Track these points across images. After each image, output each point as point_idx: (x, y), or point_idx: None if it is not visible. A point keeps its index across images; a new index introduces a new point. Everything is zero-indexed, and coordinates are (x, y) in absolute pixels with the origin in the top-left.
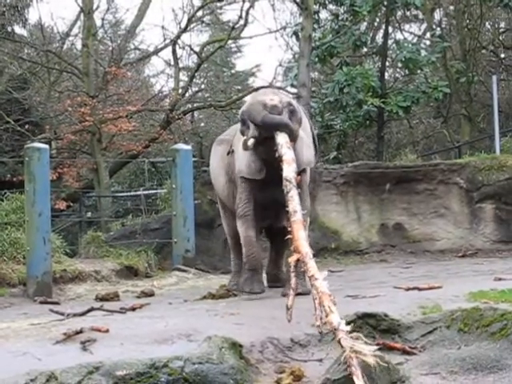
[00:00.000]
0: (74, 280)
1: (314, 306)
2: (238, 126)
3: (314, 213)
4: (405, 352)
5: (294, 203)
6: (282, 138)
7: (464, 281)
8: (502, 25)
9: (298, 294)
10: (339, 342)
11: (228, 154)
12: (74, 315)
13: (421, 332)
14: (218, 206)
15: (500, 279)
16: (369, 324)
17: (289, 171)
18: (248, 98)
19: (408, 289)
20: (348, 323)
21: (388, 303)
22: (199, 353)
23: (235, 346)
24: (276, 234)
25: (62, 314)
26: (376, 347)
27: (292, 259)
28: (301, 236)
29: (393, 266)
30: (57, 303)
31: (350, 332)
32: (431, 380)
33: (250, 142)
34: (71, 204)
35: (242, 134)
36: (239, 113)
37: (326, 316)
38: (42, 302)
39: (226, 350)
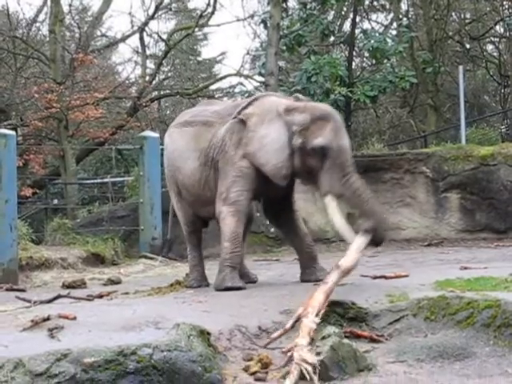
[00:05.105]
0: (40, 267)
1: None
2: (225, 104)
3: None
4: (372, 340)
5: None
6: None
7: (430, 270)
8: (468, 15)
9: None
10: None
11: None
12: (41, 302)
13: (388, 320)
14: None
15: (466, 268)
16: (336, 312)
17: None
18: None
19: (375, 277)
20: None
21: (355, 291)
22: (168, 340)
23: (203, 334)
24: None
25: (29, 301)
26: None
27: None
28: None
29: None
30: (23, 290)
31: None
32: (398, 368)
33: None
34: (37, 191)
35: (311, 165)
36: (318, 144)
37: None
38: (8, 290)
39: (195, 338)
